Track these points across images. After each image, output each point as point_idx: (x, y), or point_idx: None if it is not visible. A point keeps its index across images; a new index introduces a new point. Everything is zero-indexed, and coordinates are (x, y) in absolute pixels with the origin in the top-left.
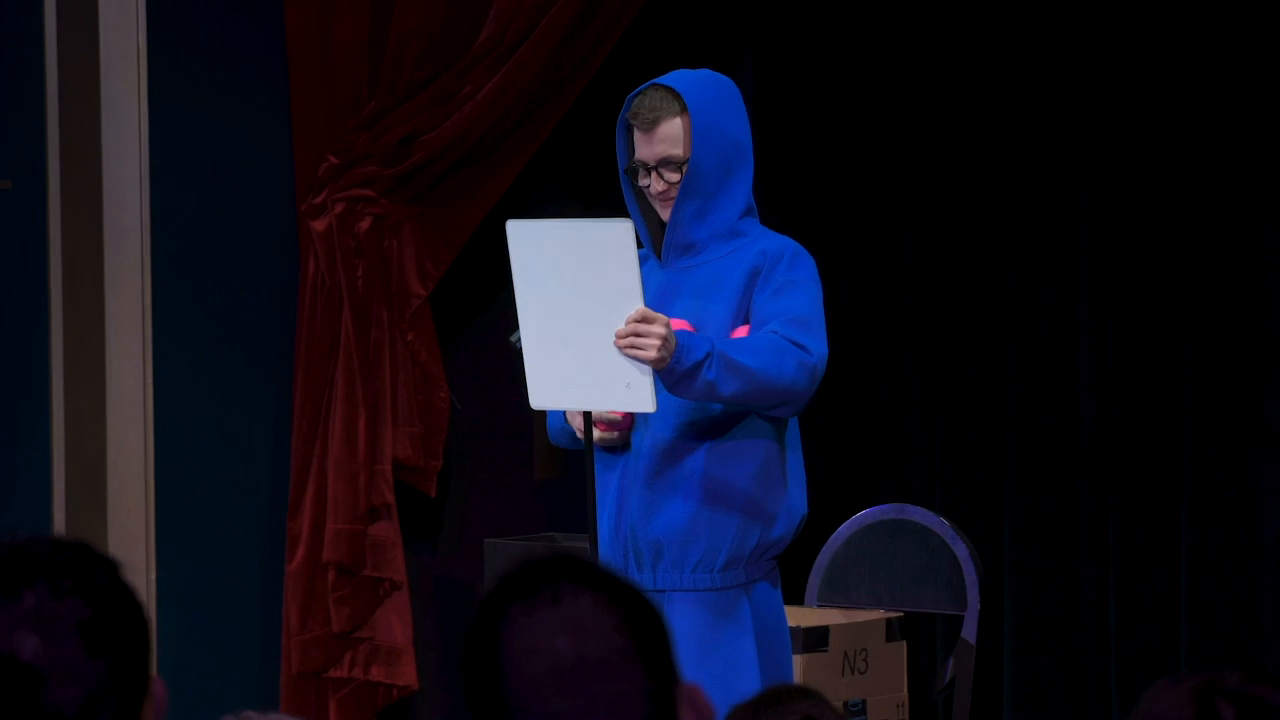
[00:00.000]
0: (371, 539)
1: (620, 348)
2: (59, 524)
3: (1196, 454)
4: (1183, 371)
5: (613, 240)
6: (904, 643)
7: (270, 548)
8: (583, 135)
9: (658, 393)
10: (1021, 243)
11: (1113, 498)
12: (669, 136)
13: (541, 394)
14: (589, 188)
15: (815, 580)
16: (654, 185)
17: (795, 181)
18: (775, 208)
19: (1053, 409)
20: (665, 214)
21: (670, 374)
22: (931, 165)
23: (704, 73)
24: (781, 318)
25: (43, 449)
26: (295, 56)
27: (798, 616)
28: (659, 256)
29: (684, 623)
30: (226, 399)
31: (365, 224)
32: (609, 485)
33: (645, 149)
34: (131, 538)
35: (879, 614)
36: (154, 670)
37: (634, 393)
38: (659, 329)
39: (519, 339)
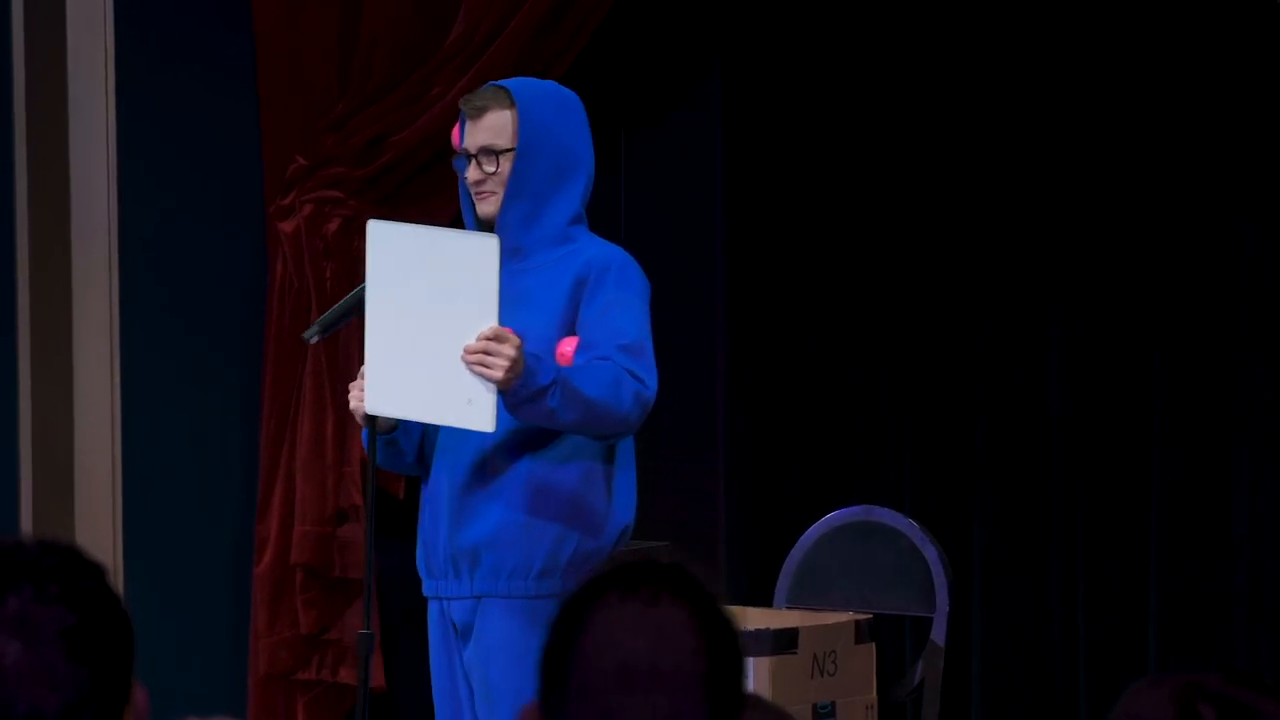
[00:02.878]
0: (340, 541)
1: (468, 363)
2: (26, 525)
3: (1166, 453)
4: (1153, 370)
5: (477, 254)
6: (873, 645)
7: (238, 549)
8: None
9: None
10: (992, 241)
11: (1082, 498)
12: (492, 126)
13: (380, 400)
14: None
15: (784, 582)
16: (470, 174)
17: (763, 185)
18: (743, 211)
19: (1022, 409)
20: (481, 207)
21: (514, 395)
22: (901, 167)
23: (548, 82)
24: (615, 343)
25: (10, 450)
26: (264, 57)
27: (766, 619)
28: None
29: (497, 629)
30: (195, 400)
31: (334, 225)
32: (437, 490)
33: (469, 137)
34: (99, 539)
35: (848, 616)
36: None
37: (474, 410)
38: (509, 350)
39: (313, 335)
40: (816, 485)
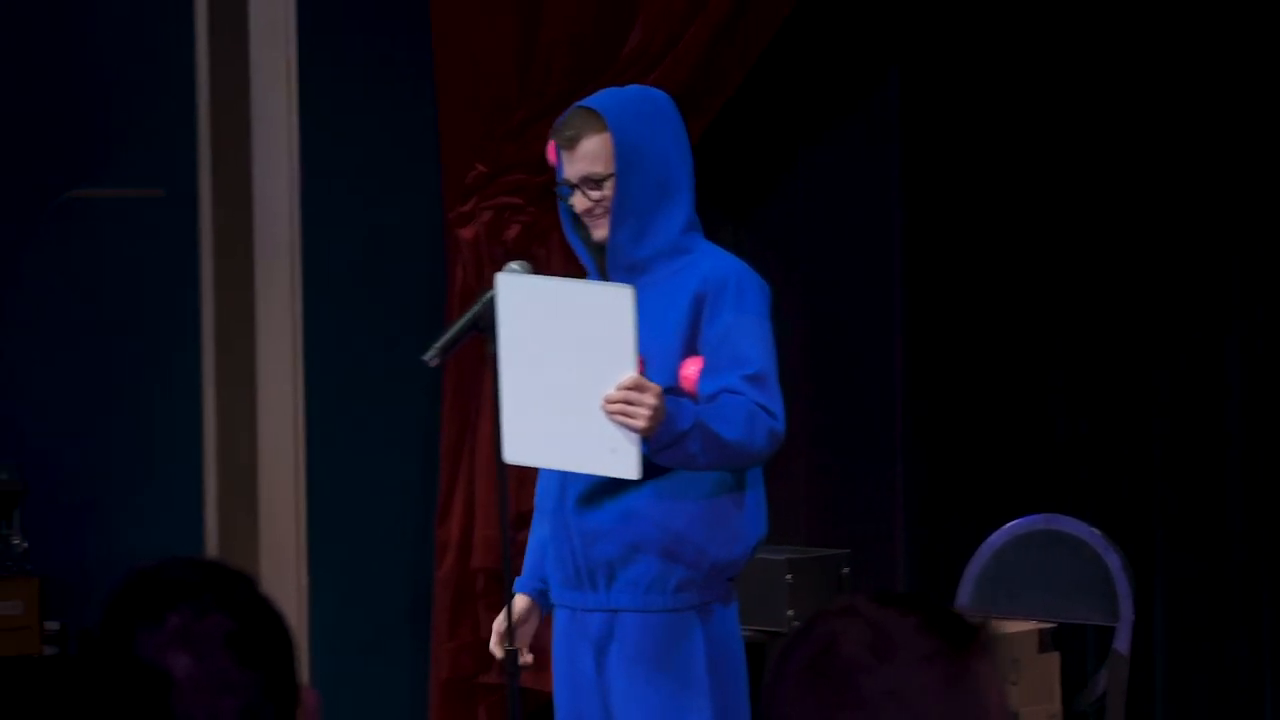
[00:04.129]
0: (521, 545)
1: (609, 413)
2: (211, 530)
3: None
4: None
5: (611, 305)
6: (1056, 653)
7: (420, 554)
8: (730, 143)
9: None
10: (1172, 247)
11: (1266, 505)
12: (589, 154)
13: (518, 449)
14: (734, 197)
15: (965, 590)
16: (578, 204)
17: (942, 193)
18: (921, 219)
19: (1203, 415)
20: (595, 233)
21: (655, 442)
22: (1081, 174)
23: (632, 89)
24: (741, 373)
25: (195, 455)
26: (443, 65)
27: None
28: (604, 279)
29: (637, 643)
30: (376, 405)
31: (513, 232)
32: (559, 502)
33: (568, 167)
34: (283, 544)
35: (1031, 625)
36: (304, 680)
37: (618, 458)
38: (650, 399)
39: (434, 356)
40: (995, 493)
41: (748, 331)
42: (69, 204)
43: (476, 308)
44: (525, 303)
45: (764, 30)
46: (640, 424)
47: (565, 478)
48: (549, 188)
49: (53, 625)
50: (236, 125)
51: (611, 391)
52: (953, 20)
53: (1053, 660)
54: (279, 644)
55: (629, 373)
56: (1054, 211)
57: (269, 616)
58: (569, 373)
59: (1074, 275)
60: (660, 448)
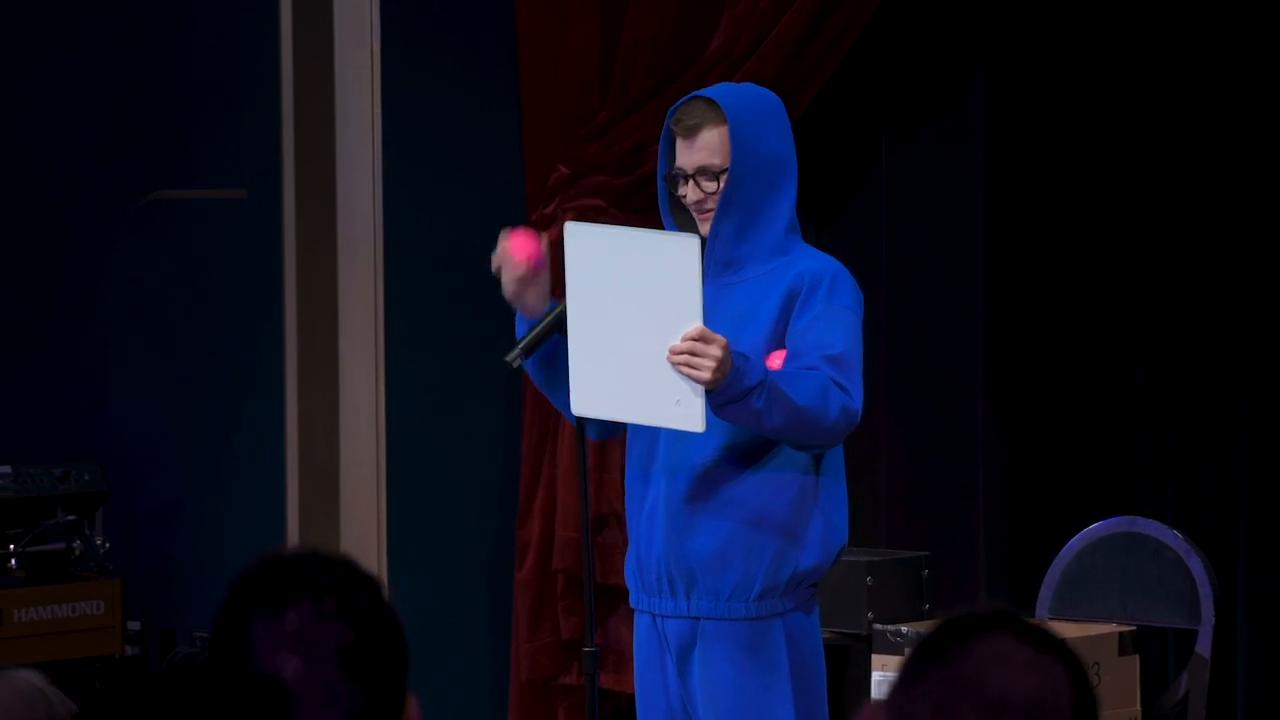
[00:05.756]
0: (600, 547)
1: (674, 364)
2: (292, 529)
3: None
4: None
5: (677, 255)
6: (1136, 657)
7: (500, 555)
8: (813, 142)
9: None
10: (1257, 252)
11: None
12: (708, 145)
13: (585, 401)
14: (818, 196)
15: (1046, 593)
16: (690, 194)
17: (1026, 191)
18: (1005, 218)
19: None
20: (701, 226)
21: (720, 395)
22: (1166, 172)
23: (748, 86)
24: (821, 353)
25: (276, 455)
26: (526, 66)
27: None
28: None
29: (719, 649)
30: (457, 406)
31: None
32: (640, 505)
33: (684, 156)
34: (363, 544)
35: (1111, 627)
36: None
37: (683, 410)
38: (715, 350)
39: (516, 357)
40: (1076, 496)
41: (835, 320)
42: (154, 205)
43: (559, 308)
44: (592, 253)
45: (849, 30)
46: (704, 375)
47: (665, 482)
48: (631, 189)
49: (134, 625)
50: (320, 126)
51: (676, 342)
52: (1038, 17)
53: (1133, 663)
54: (392, 658)
55: (695, 323)
56: (1139, 212)
57: (388, 628)
58: (635, 323)
59: (1158, 276)
60: (725, 401)
